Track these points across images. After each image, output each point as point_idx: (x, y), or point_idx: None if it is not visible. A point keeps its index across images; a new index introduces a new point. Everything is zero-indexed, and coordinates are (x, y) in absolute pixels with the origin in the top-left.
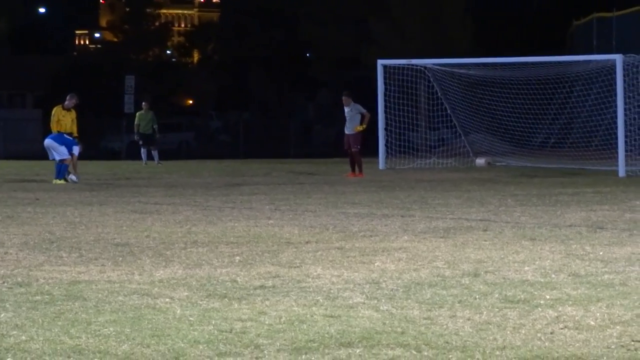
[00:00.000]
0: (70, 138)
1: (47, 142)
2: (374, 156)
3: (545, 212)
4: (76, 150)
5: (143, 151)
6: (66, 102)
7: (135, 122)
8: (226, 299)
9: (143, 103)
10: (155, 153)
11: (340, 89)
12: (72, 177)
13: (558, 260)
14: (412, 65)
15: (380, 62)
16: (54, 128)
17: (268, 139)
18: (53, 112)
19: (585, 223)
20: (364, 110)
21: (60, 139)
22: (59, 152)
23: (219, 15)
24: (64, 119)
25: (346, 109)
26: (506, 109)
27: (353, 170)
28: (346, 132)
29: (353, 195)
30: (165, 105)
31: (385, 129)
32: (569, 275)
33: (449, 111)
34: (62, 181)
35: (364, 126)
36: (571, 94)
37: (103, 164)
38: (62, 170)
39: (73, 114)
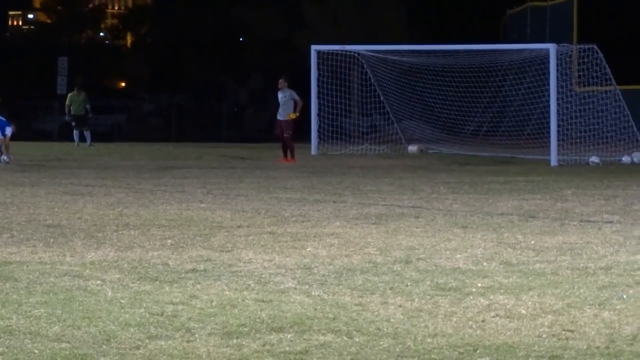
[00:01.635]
0: (3, 119)
1: None
2: (307, 142)
3: (477, 200)
4: (8, 131)
5: (75, 133)
6: None
7: (67, 103)
8: (157, 282)
9: (75, 88)
10: (87, 134)
11: (273, 74)
12: (4, 157)
13: (490, 249)
14: (346, 51)
15: (314, 48)
16: None
17: (200, 122)
18: None
19: (517, 212)
20: (297, 97)
21: None
22: None
23: None
24: None
25: (280, 94)
26: (439, 96)
27: (285, 155)
28: (278, 117)
29: (285, 180)
30: (98, 87)
31: (318, 115)
32: (501, 264)
33: (381, 98)
34: None
35: (297, 114)
36: (504, 83)
37: (35, 145)
38: None
39: None
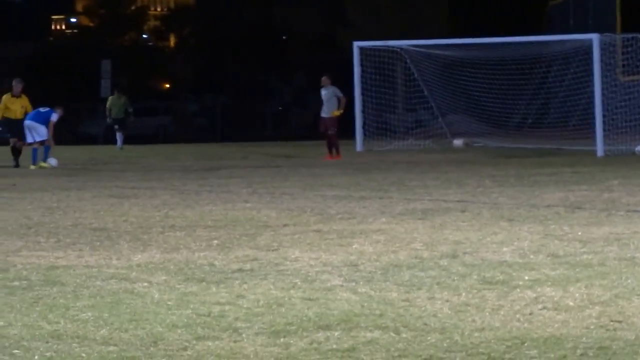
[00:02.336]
0: (47, 109)
1: (27, 122)
2: (352, 138)
3: (523, 193)
4: (55, 117)
5: (118, 135)
6: (14, 89)
7: (107, 106)
8: (204, 283)
9: (115, 91)
10: (121, 136)
11: (317, 72)
12: (51, 161)
13: (536, 241)
14: (389, 46)
15: (357, 44)
16: (0, 115)
17: (245, 122)
18: (2, 99)
19: (563, 203)
20: (340, 94)
21: (39, 117)
22: (38, 132)
23: None
24: (12, 106)
25: (323, 91)
26: (483, 89)
27: (330, 152)
28: (322, 114)
29: (330, 178)
30: (142, 89)
31: (362, 111)
32: (548, 256)
33: (425, 92)
34: (45, 164)
35: (341, 111)
36: (548, 74)
37: (80, 148)
38: (41, 153)
39: (24, 99)
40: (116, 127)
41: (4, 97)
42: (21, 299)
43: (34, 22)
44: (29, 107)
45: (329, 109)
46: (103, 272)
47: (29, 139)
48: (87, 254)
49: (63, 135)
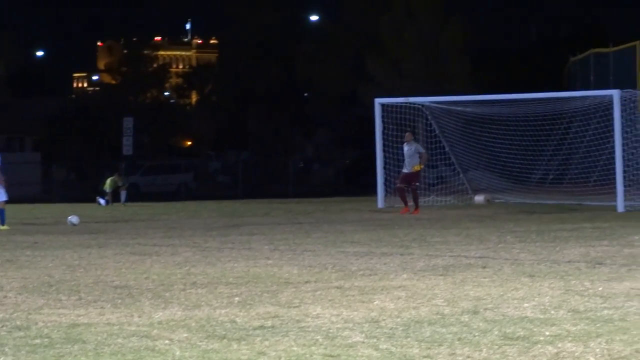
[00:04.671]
0: None
1: None
2: (373, 195)
3: (544, 248)
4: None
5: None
6: None
7: (105, 186)
8: (225, 340)
9: (117, 174)
10: (123, 194)
11: (338, 128)
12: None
13: (557, 297)
14: (410, 103)
15: (378, 101)
16: None
17: (267, 178)
18: None
19: (584, 259)
20: (422, 150)
21: None
22: None
23: (217, 56)
24: None
25: (406, 147)
26: (504, 145)
27: (406, 205)
28: (404, 170)
29: (352, 234)
30: (164, 146)
31: (384, 168)
32: (568, 311)
33: (447, 149)
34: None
35: (422, 165)
36: (569, 130)
37: (102, 207)
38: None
39: None
40: (107, 196)
41: None
42: (42, 357)
43: (57, 80)
44: None
45: (411, 165)
46: (124, 329)
47: None
48: (108, 311)
49: (84, 193)
